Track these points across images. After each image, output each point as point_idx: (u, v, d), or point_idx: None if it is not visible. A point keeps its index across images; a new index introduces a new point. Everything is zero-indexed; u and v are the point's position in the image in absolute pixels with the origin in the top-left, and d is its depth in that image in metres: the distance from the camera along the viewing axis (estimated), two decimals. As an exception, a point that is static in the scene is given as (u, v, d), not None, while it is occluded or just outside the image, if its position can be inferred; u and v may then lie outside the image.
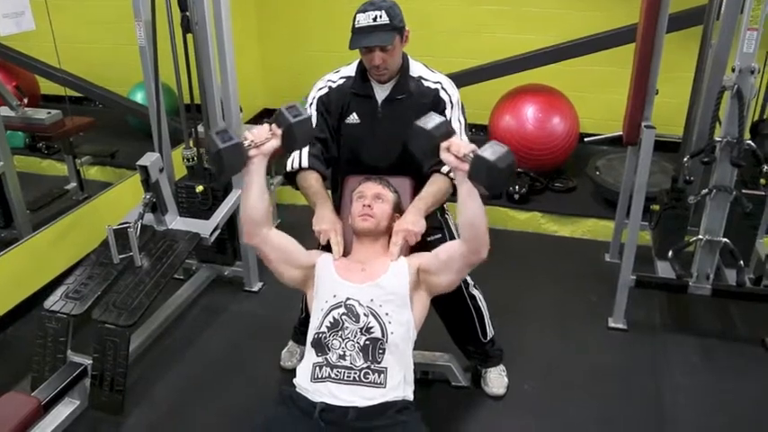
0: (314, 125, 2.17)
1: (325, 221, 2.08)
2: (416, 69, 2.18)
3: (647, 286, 2.85)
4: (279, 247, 2.00)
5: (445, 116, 2.13)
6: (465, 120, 2.20)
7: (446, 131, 1.78)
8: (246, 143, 1.81)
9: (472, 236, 1.84)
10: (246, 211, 1.93)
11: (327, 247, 2.08)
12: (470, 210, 1.80)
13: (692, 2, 3.46)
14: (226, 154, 1.75)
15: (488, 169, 1.65)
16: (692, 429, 2.39)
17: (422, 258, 2.00)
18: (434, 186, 2.08)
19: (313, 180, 2.15)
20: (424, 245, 2.15)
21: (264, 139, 1.85)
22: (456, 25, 4.42)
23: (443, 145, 1.76)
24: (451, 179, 2.11)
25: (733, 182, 2.59)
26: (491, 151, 1.66)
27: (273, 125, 1.86)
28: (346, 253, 2.08)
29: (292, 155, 2.19)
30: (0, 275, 2.86)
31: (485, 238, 1.85)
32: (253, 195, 1.90)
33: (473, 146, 1.73)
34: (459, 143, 1.75)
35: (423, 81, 2.15)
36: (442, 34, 4.40)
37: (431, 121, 1.80)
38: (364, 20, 1.99)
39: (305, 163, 2.16)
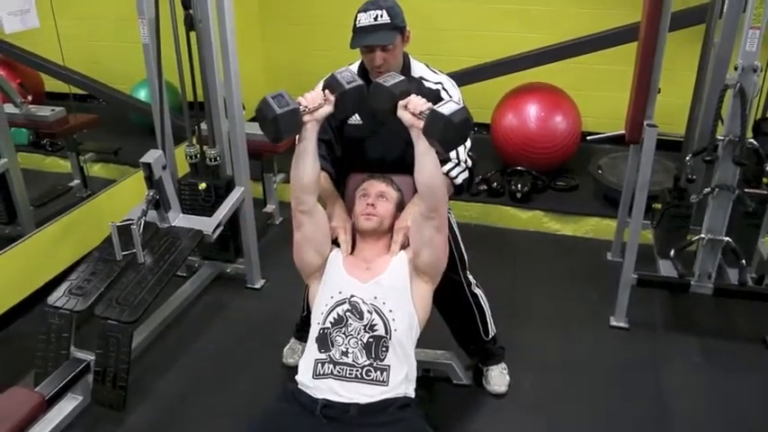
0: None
1: (335, 219, 2.11)
2: (418, 70, 2.18)
3: (649, 285, 2.85)
4: (318, 222, 1.99)
5: None
6: None
7: (405, 89, 1.82)
8: (300, 108, 1.80)
9: (429, 194, 1.85)
10: (300, 177, 1.91)
11: (335, 243, 2.10)
12: (426, 167, 1.82)
13: (694, 0, 3.46)
14: (282, 120, 1.74)
15: (443, 124, 1.67)
16: (694, 428, 2.39)
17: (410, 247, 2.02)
18: None
19: (322, 179, 2.16)
20: None
21: (318, 105, 1.85)
22: (458, 24, 4.41)
23: (401, 103, 1.80)
24: (452, 178, 2.13)
25: (735, 181, 2.58)
26: (446, 107, 1.69)
27: (326, 91, 1.85)
28: (353, 248, 2.10)
29: None
30: (4, 272, 2.87)
31: (441, 196, 1.87)
32: (307, 161, 1.89)
33: (430, 104, 1.76)
34: (417, 101, 1.78)
35: (424, 82, 2.15)
36: (445, 33, 4.40)
37: (391, 79, 1.83)
38: (365, 19, 1.99)
39: None
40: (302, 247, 2.02)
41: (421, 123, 1.75)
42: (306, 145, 1.88)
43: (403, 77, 1.86)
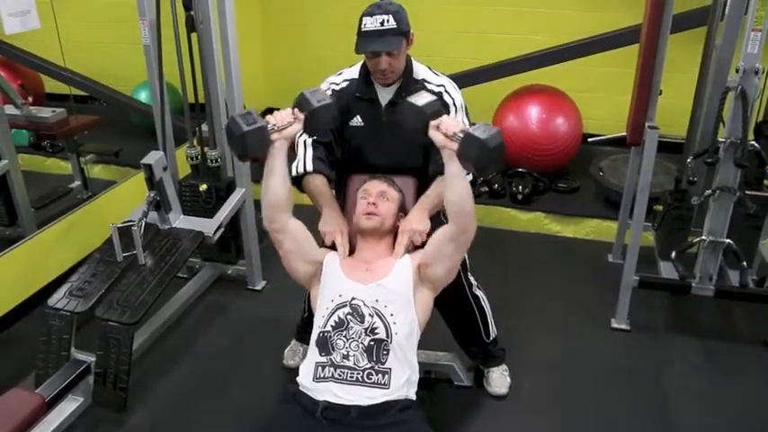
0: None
1: (330, 223, 2.10)
2: (420, 72, 2.17)
3: (650, 287, 2.85)
4: (296, 236, 1.99)
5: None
6: (469, 122, 2.20)
7: (437, 110, 1.80)
8: (269, 127, 1.81)
9: (460, 215, 1.84)
10: (268, 195, 1.92)
11: (332, 248, 2.09)
12: (458, 189, 1.80)
13: (696, 2, 3.46)
14: (249, 137, 1.74)
15: (479, 148, 1.65)
16: (695, 430, 2.39)
17: (420, 254, 2.00)
18: (439, 187, 2.09)
19: (319, 182, 2.17)
20: (424, 244, 2.16)
21: (287, 123, 1.84)
22: (459, 26, 4.41)
23: (433, 123, 1.77)
24: None
25: (736, 183, 2.58)
26: (482, 130, 1.67)
27: (296, 109, 1.85)
28: (351, 252, 2.09)
29: (297, 159, 2.20)
30: (5, 273, 2.86)
31: (472, 217, 1.86)
32: (275, 180, 1.89)
33: (463, 126, 1.74)
34: (449, 122, 1.76)
35: (426, 84, 2.14)
36: (446, 35, 4.39)
37: (422, 98, 1.81)
38: (371, 24, 1.97)
39: (309, 167, 2.17)
40: (289, 261, 2.02)
41: (454, 145, 1.72)
42: (273, 163, 1.88)
43: (435, 97, 1.83)
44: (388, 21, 1.96)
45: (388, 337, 1.86)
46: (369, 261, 2.02)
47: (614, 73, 4.10)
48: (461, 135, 1.70)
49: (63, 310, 2.44)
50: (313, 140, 2.19)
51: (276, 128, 1.83)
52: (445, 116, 1.80)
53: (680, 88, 3.20)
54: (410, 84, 2.13)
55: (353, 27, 2.02)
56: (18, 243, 2.95)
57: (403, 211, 2.12)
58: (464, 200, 1.82)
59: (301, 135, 2.22)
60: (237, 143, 1.77)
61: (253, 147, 1.78)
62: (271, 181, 1.90)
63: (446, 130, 1.74)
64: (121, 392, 2.35)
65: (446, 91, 2.14)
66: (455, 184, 1.80)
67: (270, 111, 4.67)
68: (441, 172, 2.10)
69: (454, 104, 2.14)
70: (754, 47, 2.37)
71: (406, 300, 1.93)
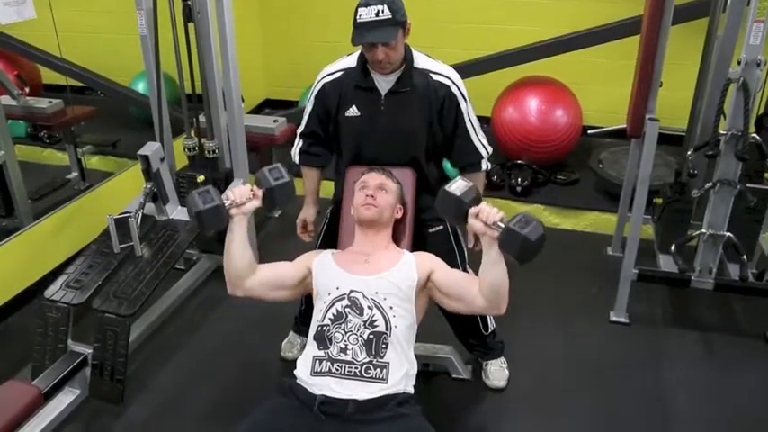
0: (307, 120, 2.26)
1: (300, 217, 2.36)
2: (421, 62, 2.14)
3: (650, 280, 2.84)
4: (264, 282, 2.01)
5: (461, 111, 2.14)
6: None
7: (475, 197, 1.81)
8: (228, 203, 1.86)
9: (494, 296, 1.85)
10: (229, 266, 1.96)
11: (325, 245, 2.15)
12: (496, 274, 1.82)
13: (697, -7, 3.44)
14: (206, 215, 1.81)
15: (521, 242, 1.69)
16: (693, 423, 2.38)
17: (437, 269, 1.98)
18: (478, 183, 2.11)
19: (314, 175, 2.35)
20: (423, 236, 2.15)
21: (246, 199, 1.89)
22: (459, 16, 4.39)
23: (472, 211, 1.79)
24: (484, 170, 2.25)
25: (737, 176, 2.57)
26: (522, 223, 1.69)
27: (255, 186, 1.91)
28: (347, 246, 2.08)
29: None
30: (1, 265, 2.86)
31: (506, 298, 1.87)
32: (234, 252, 1.93)
33: (501, 213, 1.76)
34: (488, 210, 1.77)
35: (432, 75, 2.11)
36: (446, 25, 4.38)
37: (459, 187, 1.82)
38: (366, 14, 1.95)
39: (296, 160, 2.33)
40: (271, 298, 2.05)
41: (495, 233, 1.75)
42: (232, 237, 1.92)
43: (471, 184, 1.85)
44: (383, 11, 1.94)
45: (387, 329, 1.85)
46: (367, 253, 2.01)
47: (614, 65, 4.09)
48: (501, 225, 1.73)
49: (60, 301, 2.43)
50: (301, 133, 2.29)
51: (235, 204, 1.88)
52: (483, 204, 1.80)
53: (681, 80, 3.18)
54: (411, 73, 2.11)
55: (352, 18, 2.00)
56: (15, 234, 2.94)
57: (401, 202, 2.10)
58: (501, 284, 1.84)
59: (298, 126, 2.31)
60: (195, 220, 1.83)
61: (210, 224, 1.84)
62: (231, 253, 1.94)
63: (486, 218, 1.76)
64: (118, 384, 2.35)
65: (454, 83, 2.12)
66: (494, 269, 1.81)
67: (268, 102, 4.67)
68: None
69: (463, 96, 2.14)
70: (757, 38, 2.35)
71: (407, 296, 1.92)
